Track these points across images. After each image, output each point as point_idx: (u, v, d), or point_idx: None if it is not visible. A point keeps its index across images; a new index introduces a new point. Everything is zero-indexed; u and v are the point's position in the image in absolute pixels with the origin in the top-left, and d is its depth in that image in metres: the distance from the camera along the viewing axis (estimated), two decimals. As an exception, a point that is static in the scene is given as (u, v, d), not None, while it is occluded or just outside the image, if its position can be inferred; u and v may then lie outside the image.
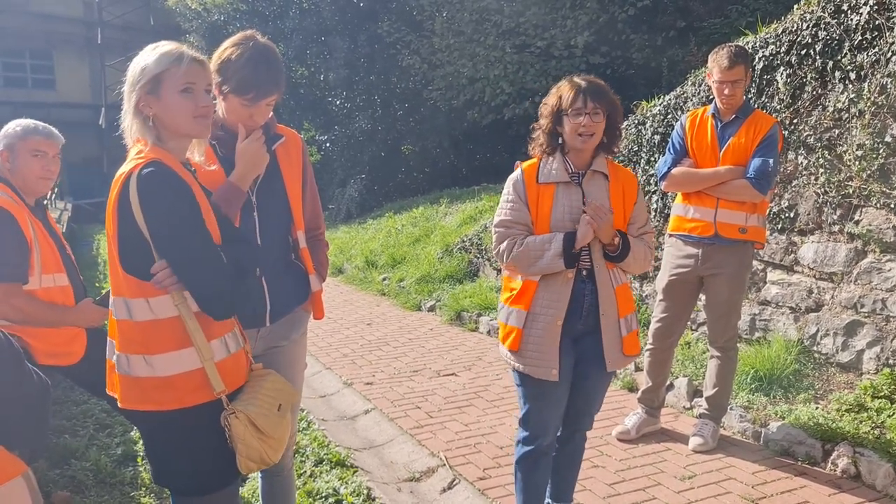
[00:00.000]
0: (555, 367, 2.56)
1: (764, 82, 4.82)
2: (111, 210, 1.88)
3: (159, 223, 1.83)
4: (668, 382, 4.23)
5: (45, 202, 3.21)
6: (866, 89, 4.17)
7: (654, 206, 5.71)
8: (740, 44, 4.55)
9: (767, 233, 4.72)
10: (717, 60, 3.60)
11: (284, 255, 2.47)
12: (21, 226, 2.79)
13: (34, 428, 1.68)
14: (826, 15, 4.41)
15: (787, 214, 4.69)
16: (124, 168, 1.88)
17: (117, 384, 1.97)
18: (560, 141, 2.62)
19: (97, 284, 8.38)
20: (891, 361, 4.07)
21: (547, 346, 2.57)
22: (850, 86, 4.27)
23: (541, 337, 2.57)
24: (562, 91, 2.58)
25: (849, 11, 4.28)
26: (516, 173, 2.66)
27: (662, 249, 4.09)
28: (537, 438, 2.71)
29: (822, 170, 4.45)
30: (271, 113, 2.39)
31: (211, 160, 2.23)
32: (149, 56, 1.91)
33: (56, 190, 17.36)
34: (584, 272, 2.60)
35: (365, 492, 3.47)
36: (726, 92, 3.61)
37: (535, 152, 2.67)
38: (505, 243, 2.60)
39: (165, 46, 1.94)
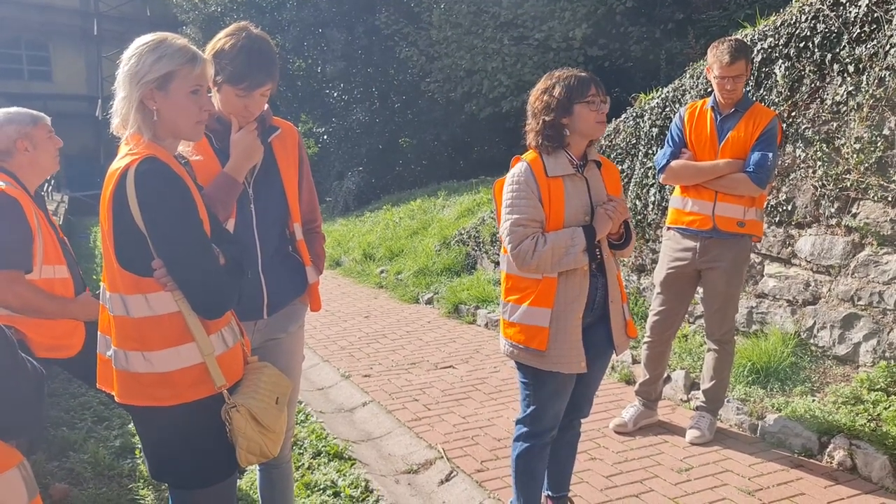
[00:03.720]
0: (582, 359, 2.58)
1: (762, 75, 4.82)
2: (106, 206, 1.85)
3: (157, 220, 1.82)
4: (665, 375, 4.24)
5: (43, 193, 3.20)
6: (864, 82, 4.16)
7: (653, 198, 5.70)
8: (739, 37, 4.55)
9: (765, 226, 4.73)
10: (718, 56, 3.58)
11: (281, 248, 2.47)
12: (26, 213, 2.79)
13: (29, 418, 1.67)
14: (825, 7, 4.39)
15: (784, 207, 4.69)
16: (119, 163, 1.86)
17: (114, 379, 1.96)
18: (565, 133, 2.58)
19: (94, 277, 8.37)
20: (887, 354, 4.08)
21: (574, 341, 2.57)
22: (849, 79, 4.26)
23: (566, 333, 2.56)
24: (568, 80, 2.51)
25: (847, 4, 4.27)
26: (523, 168, 2.56)
27: (661, 242, 4.09)
28: (546, 433, 2.72)
29: (819, 163, 4.44)
30: (266, 105, 2.38)
31: (200, 151, 2.22)
32: (159, 49, 1.87)
33: (52, 182, 17.30)
34: (594, 265, 2.61)
35: (363, 484, 3.48)
36: (728, 87, 3.60)
37: (540, 147, 2.58)
38: (527, 242, 2.50)
39: (177, 41, 1.91)
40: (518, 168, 2.59)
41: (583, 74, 2.55)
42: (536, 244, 2.48)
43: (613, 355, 2.78)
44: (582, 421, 2.94)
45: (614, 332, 2.67)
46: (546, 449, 2.77)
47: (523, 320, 2.59)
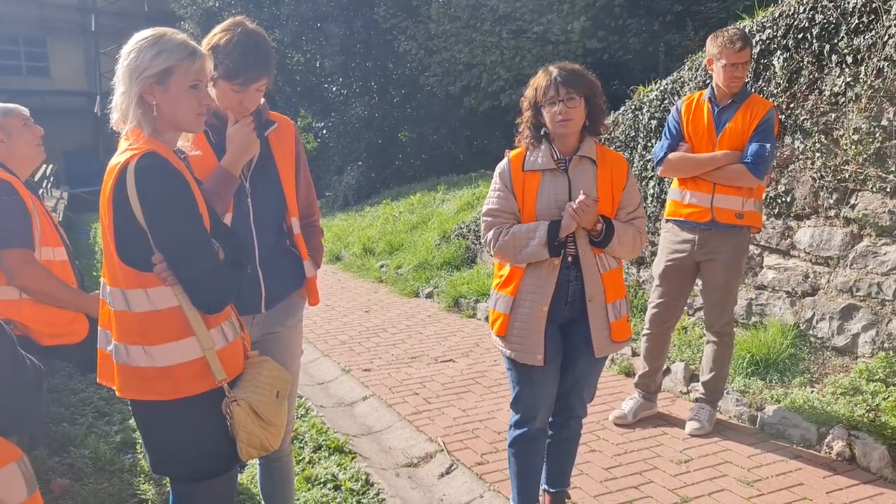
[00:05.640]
0: (539, 352, 2.59)
1: (761, 67, 4.81)
2: (106, 201, 1.86)
3: (157, 215, 1.83)
4: (664, 367, 4.25)
5: (42, 191, 3.25)
6: (863, 73, 4.16)
7: (651, 191, 5.70)
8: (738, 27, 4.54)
9: (764, 217, 4.73)
10: (726, 43, 3.56)
11: (279, 242, 2.47)
12: (21, 195, 2.84)
13: (28, 415, 1.69)
14: (823, -2, 4.39)
15: (783, 199, 4.69)
16: (118, 158, 1.87)
17: (115, 374, 1.97)
18: (543, 131, 2.63)
19: (94, 273, 8.36)
20: (886, 345, 4.08)
21: (532, 332, 2.60)
22: (847, 69, 4.26)
23: (526, 323, 2.60)
24: (537, 82, 2.61)
25: (846, -5, 4.26)
26: (503, 162, 2.69)
27: (659, 235, 4.09)
28: (528, 422, 2.74)
29: (818, 154, 4.44)
30: (263, 99, 2.38)
31: (197, 146, 2.23)
32: (158, 44, 1.87)
33: (52, 178, 17.30)
34: (570, 258, 2.61)
35: (363, 477, 3.50)
36: (737, 74, 3.59)
37: (522, 145, 2.70)
38: (491, 232, 2.63)
39: (176, 36, 1.92)
40: (501, 162, 2.71)
41: (552, 72, 2.56)
42: (500, 235, 2.61)
43: (612, 355, 2.78)
44: (583, 421, 2.93)
45: (592, 332, 2.63)
46: (538, 442, 2.79)
47: (492, 304, 2.74)
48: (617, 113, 6.22)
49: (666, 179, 5.32)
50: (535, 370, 2.63)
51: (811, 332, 4.52)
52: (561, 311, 2.63)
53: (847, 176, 4.28)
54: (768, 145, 3.58)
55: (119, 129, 1.94)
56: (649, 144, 5.75)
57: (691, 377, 4.42)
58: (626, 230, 2.64)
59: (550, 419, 2.82)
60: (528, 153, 2.66)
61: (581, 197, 2.50)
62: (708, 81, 4.53)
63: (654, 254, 4.83)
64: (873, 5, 4.10)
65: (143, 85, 1.86)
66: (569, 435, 2.89)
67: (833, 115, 4.36)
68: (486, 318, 6.41)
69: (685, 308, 4.60)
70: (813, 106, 4.48)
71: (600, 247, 2.62)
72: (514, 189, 2.63)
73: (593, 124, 2.63)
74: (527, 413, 2.73)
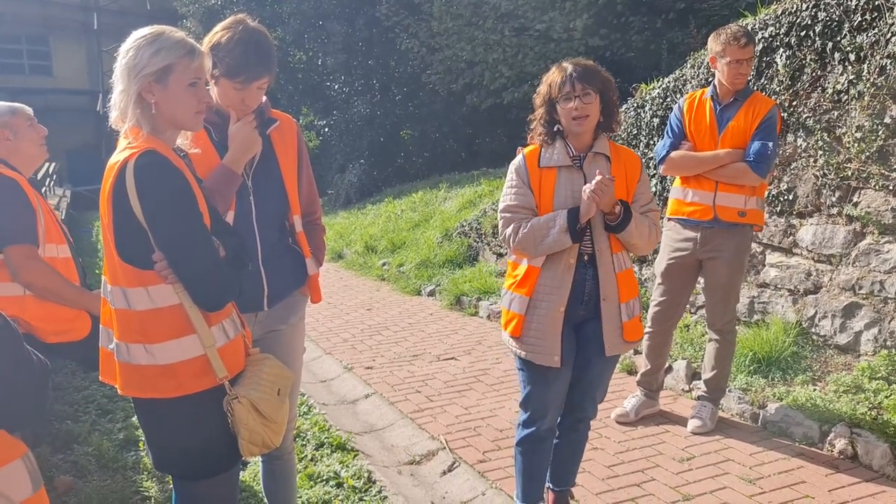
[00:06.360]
0: (556, 353, 2.57)
1: (763, 64, 4.80)
2: (106, 199, 1.87)
3: (157, 213, 1.83)
4: (666, 365, 4.25)
5: (44, 189, 3.27)
6: (866, 71, 4.15)
7: (654, 189, 5.69)
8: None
9: (766, 215, 4.72)
10: (728, 40, 3.56)
11: (281, 240, 2.47)
12: (26, 192, 2.86)
13: (34, 410, 1.69)
14: (826, -4, 4.38)
15: (785, 197, 4.68)
16: (118, 156, 1.87)
17: (117, 372, 1.97)
18: (557, 128, 2.62)
19: (97, 271, 8.38)
20: (888, 343, 4.08)
21: (549, 333, 2.58)
22: (850, 67, 4.25)
23: (542, 324, 2.58)
24: (551, 79, 2.59)
25: (849, -8, 4.25)
26: (518, 158, 2.67)
27: (661, 233, 4.09)
28: (537, 422, 2.73)
29: (820, 152, 4.43)
30: (265, 97, 2.39)
31: (199, 143, 2.23)
32: (157, 42, 1.88)
33: (54, 177, 17.33)
34: (586, 257, 2.60)
35: (365, 475, 3.50)
36: (742, 71, 3.59)
37: (535, 142, 2.67)
38: (510, 227, 2.60)
39: (175, 34, 1.92)
40: (515, 159, 2.68)
41: (567, 67, 2.55)
42: (519, 228, 2.57)
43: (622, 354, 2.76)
44: (591, 423, 2.93)
45: (605, 331, 2.62)
46: (546, 442, 2.79)
47: (506, 305, 2.71)
48: (619, 111, 6.21)
49: (668, 178, 5.31)
50: (550, 371, 2.62)
51: (813, 330, 4.52)
52: (576, 310, 2.61)
53: (850, 174, 4.28)
54: (770, 143, 3.57)
55: (118, 128, 1.94)
56: (652, 142, 5.74)
57: (693, 375, 4.42)
58: (642, 220, 2.62)
59: (559, 420, 2.81)
60: (542, 150, 2.64)
61: (598, 177, 2.47)
62: (710, 79, 4.52)
63: (656, 252, 4.83)
64: (876, 3, 4.09)
65: (142, 83, 1.87)
66: (576, 437, 2.89)
67: (836, 113, 4.35)
68: (488, 317, 6.45)
69: (687, 306, 4.60)
70: (815, 104, 4.47)
71: (617, 231, 2.58)
72: (532, 185, 2.61)
73: (607, 120, 2.62)
74: (536, 413, 2.72)
